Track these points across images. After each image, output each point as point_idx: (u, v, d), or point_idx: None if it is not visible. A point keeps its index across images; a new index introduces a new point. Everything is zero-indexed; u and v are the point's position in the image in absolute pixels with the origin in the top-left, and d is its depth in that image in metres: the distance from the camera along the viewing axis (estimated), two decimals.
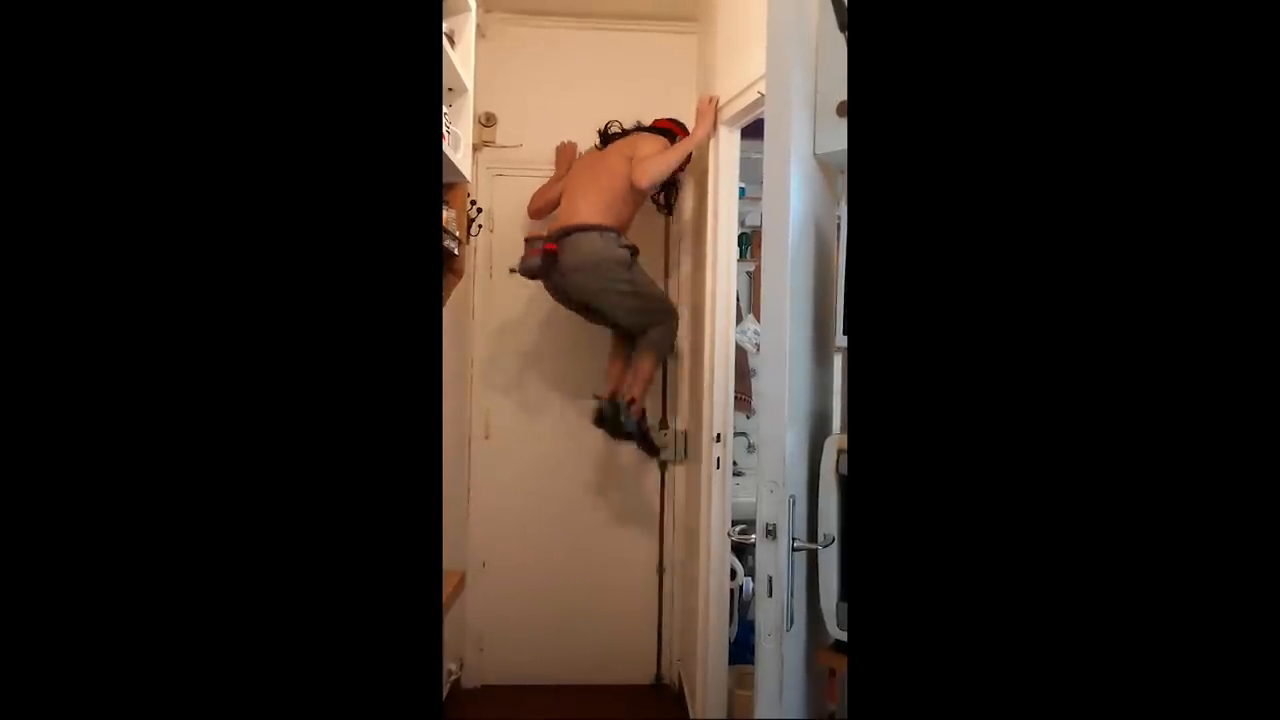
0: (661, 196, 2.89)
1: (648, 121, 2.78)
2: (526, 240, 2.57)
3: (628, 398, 2.61)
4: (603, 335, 2.93)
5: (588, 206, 2.50)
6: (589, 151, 2.82)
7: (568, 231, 2.48)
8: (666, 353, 2.79)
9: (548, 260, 2.47)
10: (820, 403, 1.56)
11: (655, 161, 2.49)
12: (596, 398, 2.69)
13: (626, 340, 2.74)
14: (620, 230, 2.53)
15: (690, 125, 2.65)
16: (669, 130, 2.71)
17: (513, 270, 2.59)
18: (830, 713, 1.65)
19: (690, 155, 2.58)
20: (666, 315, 2.66)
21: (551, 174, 2.95)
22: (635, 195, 2.57)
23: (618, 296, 2.51)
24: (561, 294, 2.58)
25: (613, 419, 2.59)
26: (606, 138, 2.76)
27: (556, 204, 2.75)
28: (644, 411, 2.66)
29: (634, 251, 2.54)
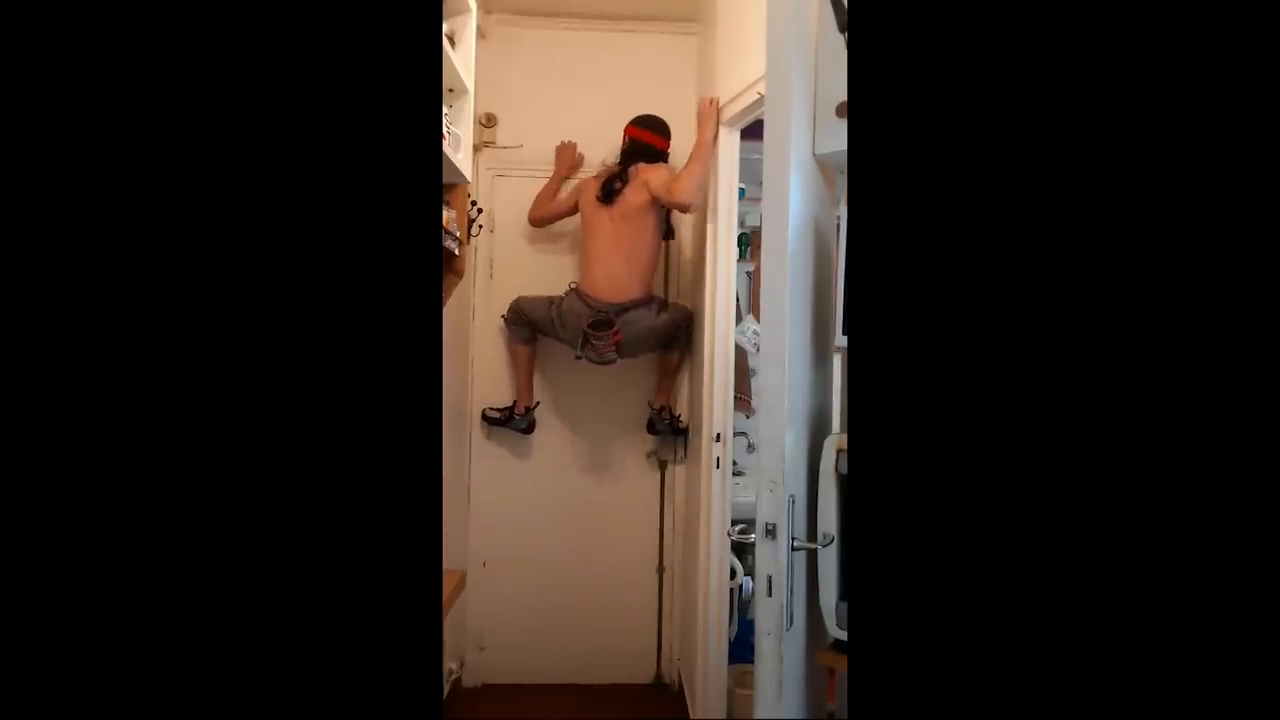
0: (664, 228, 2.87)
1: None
2: (585, 335, 2.60)
3: (658, 405, 2.93)
4: None
5: (631, 279, 2.64)
6: (592, 199, 2.73)
7: (621, 310, 2.62)
8: (686, 349, 2.93)
9: (617, 349, 2.63)
10: (819, 402, 1.56)
11: (688, 180, 2.50)
12: (650, 405, 2.98)
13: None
14: (655, 293, 2.77)
15: (671, 125, 2.78)
16: (653, 146, 2.74)
17: (577, 356, 2.67)
18: (829, 712, 1.66)
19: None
20: (686, 321, 2.83)
21: (551, 174, 2.96)
22: (659, 241, 2.72)
23: (658, 341, 2.79)
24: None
25: (660, 426, 2.97)
26: (610, 191, 2.68)
27: (558, 218, 2.89)
28: (672, 413, 2.96)
29: (664, 306, 2.77)
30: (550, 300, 2.76)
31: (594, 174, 2.83)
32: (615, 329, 2.59)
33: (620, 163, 2.74)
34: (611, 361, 2.65)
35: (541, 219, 2.92)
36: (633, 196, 2.63)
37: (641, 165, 2.68)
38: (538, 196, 2.93)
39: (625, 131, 2.79)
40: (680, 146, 2.77)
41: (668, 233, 2.84)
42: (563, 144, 2.98)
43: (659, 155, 2.75)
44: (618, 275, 2.64)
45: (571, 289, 2.71)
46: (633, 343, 2.66)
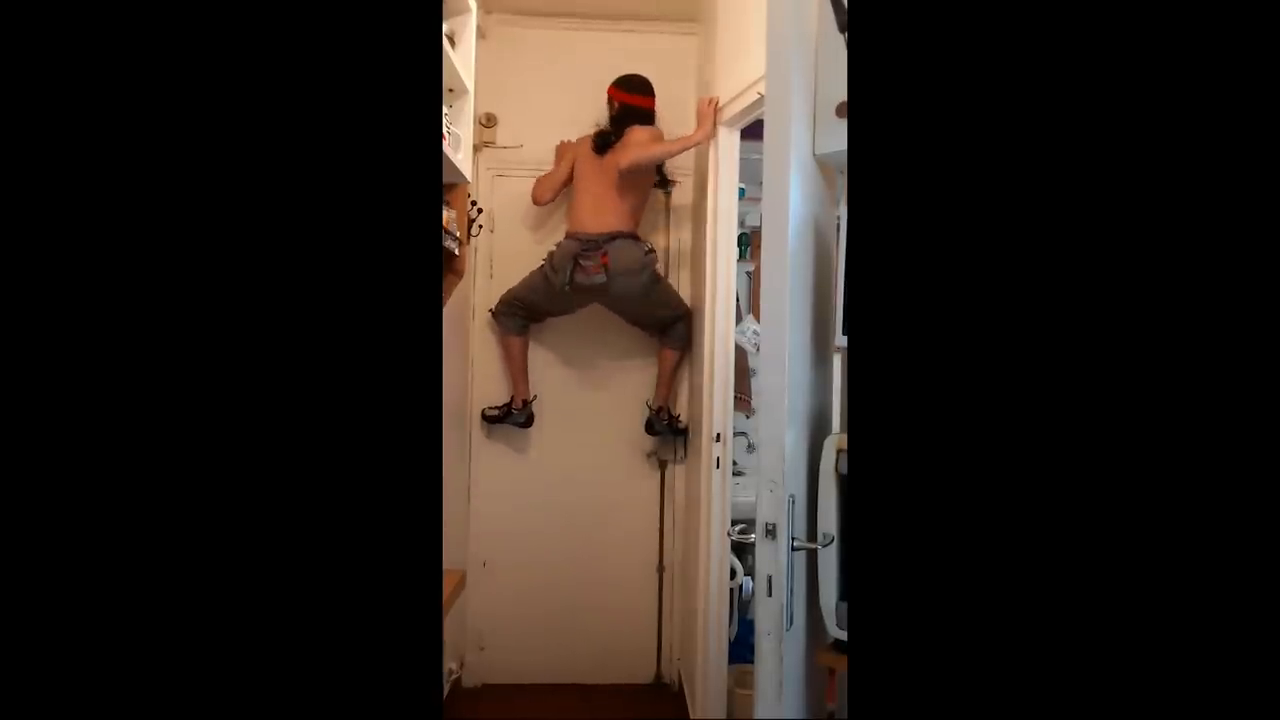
0: (658, 178, 2.96)
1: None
2: (575, 259, 2.68)
3: (656, 405, 2.96)
4: (602, 336, 2.98)
5: (616, 216, 2.74)
6: (586, 151, 2.83)
7: (610, 238, 2.69)
8: (685, 348, 2.93)
9: (606, 271, 2.69)
10: (819, 402, 1.57)
11: (641, 150, 2.68)
12: (648, 405, 3.02)
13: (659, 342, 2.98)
14: (642, 238, 2.84)
15: (670, 127, 2.85)
16: (642, 108, 2.82)
17: (566, 285, 2.70)
18: (829, 712, 1.66)
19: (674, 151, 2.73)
20: (683, 313, 2.89)
21: (551, 169, 2.96)
22: (644, 195, 2.83)
23: (650, 291, 2.79)
24: (606, 295, 2.76)
25: (659, 426, 2.99)
26: (604, 145, 2.78)
27: (561, 188, 2.91)
28: (670, 414, 2.99)
29: (651, 250, 2.82)
30: (539, 266, 2.81)
31: (588, 135, 2.88)
32: (603, 252, 2.67)
33: (613, 127, 2.81)
34: (601, 285, 2.68)
35: (544, 196, 2.92)
36: (623, 155, 2.72)
37: (635, 127, 2.77)
38: (539, 180, 2.93)
39: (613, 96, 2.85)
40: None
41: (661, 182, 2.97)
42: (562, 143, 2.98)
43: (648, 116, 2.83)
44: (604, 213, 2.74)
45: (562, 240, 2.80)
46: (620, 274, 2.67)
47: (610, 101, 2.86)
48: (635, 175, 2.73)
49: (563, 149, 2.98)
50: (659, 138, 2.78)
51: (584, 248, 2.69)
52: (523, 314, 2.90)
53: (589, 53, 3.03)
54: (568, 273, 2.68)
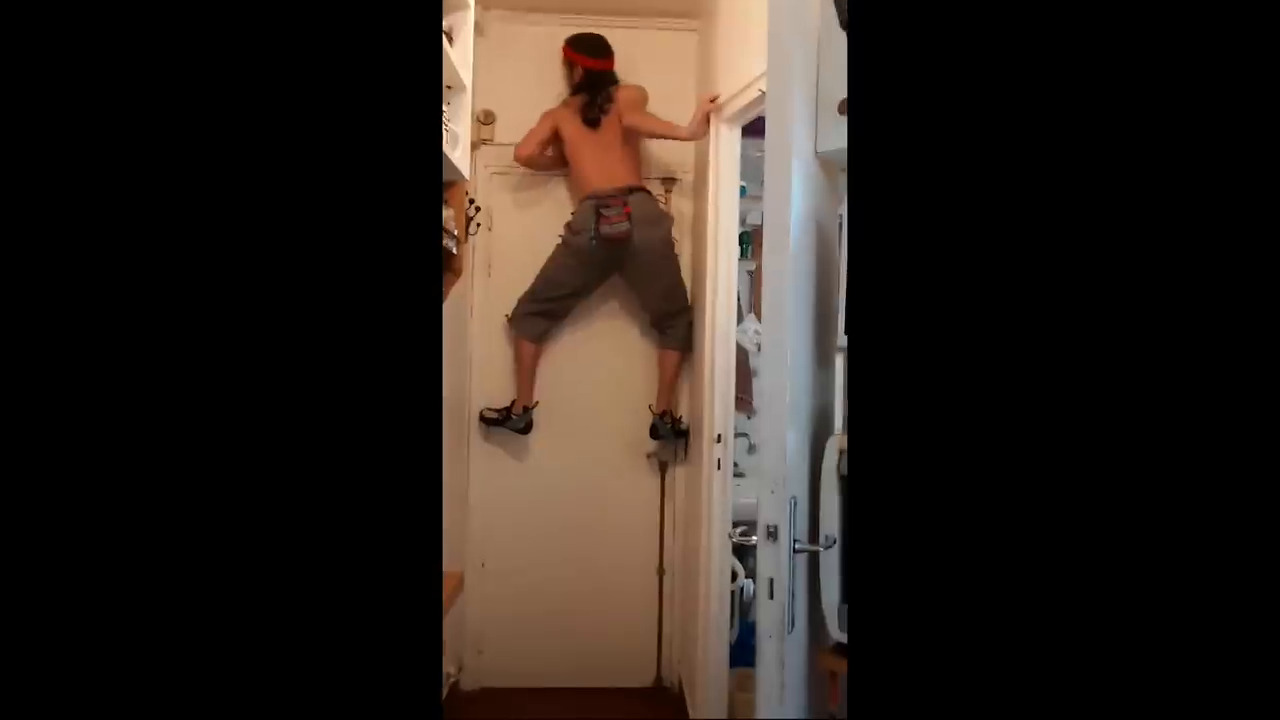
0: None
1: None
2: (597, 211, 2.68)
3: (660, 410, 2.93)
4: (603, 334, 2.97)
5: (625, 171, 2.77)
6: (576, 123, 2.80)
7: (627, 191, 2.72)
8: (687, 349, 2.91)
9: (629, 220, 2.69)
10: (821, 402, 1.56)
11: (645, 119, 2.78)
12: (651, 410, 2.97)
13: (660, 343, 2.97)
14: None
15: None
16: (610, 71, 2.84)
17: (593, 238, 2.69)
18: (832, 715, 1.65)
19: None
20: (686, 307, 2.87)
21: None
22: (639, 148, 2.90)
23: (668, 254, 2.82)
24: (628, 250, 2.71)
25: (663, 431, 2.96)
26: (597, 118, 2.78)
27: (541, 146, 2.84)
28: (674, 417, 2.96)
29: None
30: (556, 247, 2.82)
31: (563, 103, 2.87)
32: (625, 203, 2.67)
33: (589, 92, 2.80)
34: (625, 232, 2.66)
35: (525, 149, 2.83)
36: (626, 115, 2.76)
37: (621, 87, 2.80)
38: (521, 143, 2.86)
39: (575, 60, 2.84)
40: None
41: None
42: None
43: (615, 76, 2.86)
44: (613, 170, 2.75)
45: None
46: (642, 224, 2.68)
47: (570, 65, 2.85)
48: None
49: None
50: (645, 96, 2.81)
51: (603, 202, 2.68)
52: (543, 313, 2.87)
53: None
54: (591, 226, 2.67)
